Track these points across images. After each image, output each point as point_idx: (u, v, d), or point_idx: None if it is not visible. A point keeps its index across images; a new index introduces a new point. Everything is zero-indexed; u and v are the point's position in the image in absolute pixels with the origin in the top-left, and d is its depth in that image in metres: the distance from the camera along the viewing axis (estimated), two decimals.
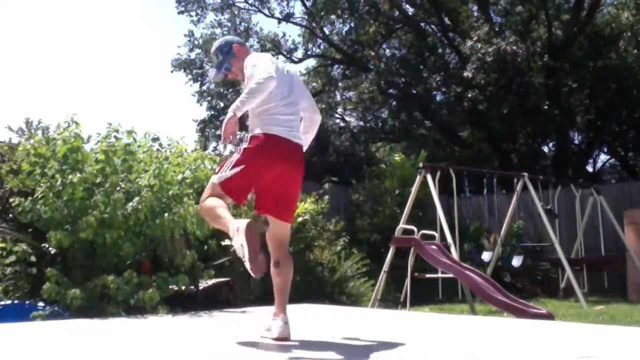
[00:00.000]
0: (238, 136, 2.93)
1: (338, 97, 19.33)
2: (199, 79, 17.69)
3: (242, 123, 3.03)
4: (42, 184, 4.90)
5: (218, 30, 17.29)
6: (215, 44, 3.32)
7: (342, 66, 18.07)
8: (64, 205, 4.80)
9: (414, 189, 8.05)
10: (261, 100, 2.91)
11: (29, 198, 4.86)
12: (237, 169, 2.89)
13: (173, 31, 35.06)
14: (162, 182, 5.14)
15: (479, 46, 12.63)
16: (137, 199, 4.86)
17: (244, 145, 2.98)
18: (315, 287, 6.67)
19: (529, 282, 10.06)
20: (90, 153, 5.24)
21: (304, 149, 3.18)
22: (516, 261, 8.68)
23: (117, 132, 5.32)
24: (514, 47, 12.44)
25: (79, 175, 4.78)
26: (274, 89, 2.93)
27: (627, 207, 10.01)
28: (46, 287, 4.45)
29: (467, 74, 12.80)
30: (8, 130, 5.71)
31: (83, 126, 5.15)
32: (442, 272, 6.95)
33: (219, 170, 2.98)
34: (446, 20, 15.76)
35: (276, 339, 3.00)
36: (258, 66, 2.95)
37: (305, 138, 3.23)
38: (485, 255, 8.58)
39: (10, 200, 4.90)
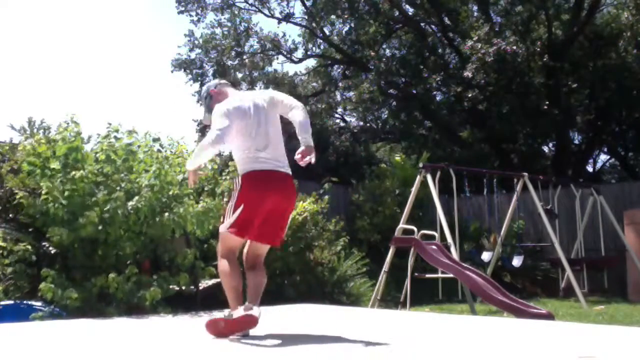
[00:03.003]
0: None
1: (338, 97, 19.34)
2: (199, 79, 17.67)
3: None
4: (42, 183, 4.91)
5: (218, 30, 17.29)
6: (202, 90, 3.76)
7: (342, 66, 18.07)
8: (66, 201, 4.80)
9: (414, 189, 8.04)
10: (213, 154, 3.39)
11: (32, 195, 4.86)
12: (238, 211, 3.24)
13: (173, 31, 35.10)
14: (162, 182, 5.14)
15: (479, 46, 12.63)
16: (137, 197, 4.87)
17: (237, 189, 3.31)
18: (315, 287, 6.67)
19: (529, 282, 10.06)
20: (91, 153, 5.24)
21: (308, 148, 3.31)
22: (516, 261, 8.68)
23: (117, 132, 5.33)
24: (514, 47, 12.44)
25: (81, 172, 4.79)
26: (244, 137, 3.30)
27: (627, 207, 10.01)
28: (42, 286, 4.45)
29: (467, 74, 12.80)
30: (11, 129, 5.72)
31: (83, 126, 5.16)
32: (442, 272, 6.94)
33: (222, 220, 3.35)
34: (446, 20, 15.75)
35: (243, 317, 3.11)
36: (212, 123, 3.34)
37: (303, 139, 3.32)
38: (485, 255, 8.58)
39: (15, 192, 4.90)
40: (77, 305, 4.42)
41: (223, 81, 3.75)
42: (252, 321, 3.08)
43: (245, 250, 3.49)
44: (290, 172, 3.41)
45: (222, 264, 3.32)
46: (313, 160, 3.33)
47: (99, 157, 5.11)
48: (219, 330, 3.22)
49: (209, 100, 3.61)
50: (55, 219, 4.80)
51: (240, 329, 3.16)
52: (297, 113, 3.37)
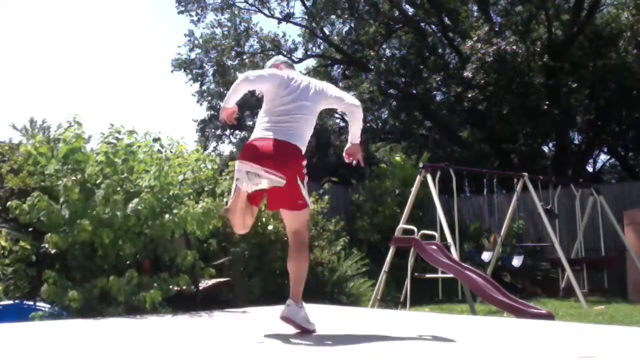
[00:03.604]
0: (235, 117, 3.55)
1: None
2: (199, 79, 17.68)
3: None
4: (43, 184, 4.90)
5: (218, 30, 17.31)
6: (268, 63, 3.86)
7: (342, 66, 18.09)
8: (62, 207, 4.79)
9: (414, 189, 8.05)
10: (234, 97, 3.47)
11: (28, 199, 4.85)
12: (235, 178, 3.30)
13: (173, 31, 35.10)
14: (162, 183, 5.13)
15: (479, 46, 12.64)
16: (136, 200, 4.86)
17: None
18: (315, 287, 6.66)
19: (529, 282, 10.06)
20: (92, 153, 5.23)
21: (355, 141, 3.58)
22: (516, 261, 8.69)
23: (119, 133, 5.31)
24: (514, 47, 12.45)
25: (73, 178, 4.75)
26: (273, 98, 3.39)
27: (627, 207, 10.01)
28: (44, 288, 4.45)
29: (467, 74, 12.80)
30: (12, 128, 5.72)
31: (84, 126, 5.14)
32: (442, 272, 6.95)
33: None
34: (446, 20, 15.76)
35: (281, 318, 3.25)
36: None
37: (352, 132, 3.59)
38: (485, 255, 8.58)
39: (9, 203, 4.88)
40: (78, 306, 4.41)
41: (289, 62, 3.84)
42: (284, 320, 3.20)
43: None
44: (290, 141, 3.28)
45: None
46: (361, 160, 3.57)
47: (99, 159, 5.10)
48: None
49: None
50: (50, 225, 4.79)
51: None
52: (356, 116, 3.55)
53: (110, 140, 5.22)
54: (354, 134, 3.59)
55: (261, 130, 3.35)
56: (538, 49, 13.52)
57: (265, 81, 3.42)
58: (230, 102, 3.48)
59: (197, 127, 18.60)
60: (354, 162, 3.61)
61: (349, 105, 3.56)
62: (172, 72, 17.58)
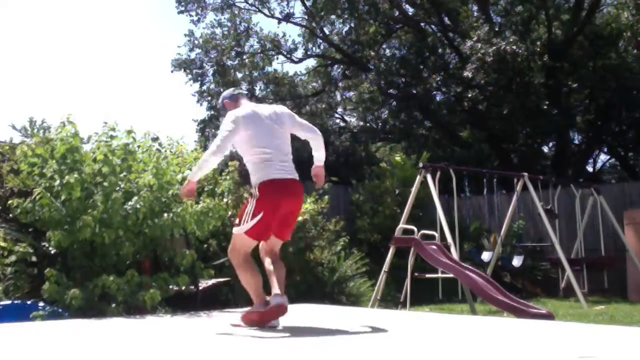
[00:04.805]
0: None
1: (338, 97, 19.33)
2: (199, 79, 17.67)
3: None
4: (40, 184, 4.90)
5: (218, 30, 17.31)
6: (219, 101, 4.04)
7: (342, 66, 18.07)
8: (62, 205, 4.79)
9: (414, 189, 8.04)
10: (215, 163, 3.68)
11: (29, 198, 4.85)
12: (257, 218, 3.47)
13: (173, 31, 35.11)
14: (161, 181, 5.12)
15: (479, 46, 12.63)
16: (135, 198, 4.85)
17: (255, 196, 3.52)
18: (315, 287, 6.67)
19: (529, 282, 10.06)
20: (89, 153, 5.23)
21: (320, 163, 3.81)
22: (516, 261, 8.68)
23: (114, 131, 5.30)
24: (514, 47, 12.44)
25: (75, 175, 4.75)
26: (258, 144, 3.53)
27: (627, 207, 10.01)
28: (46, 287, 4.45)
29: (467, 74, 12.79)
30: (12, 129, 5.71)
31: (79, 126, 5.12)
32: (442, 272, 6.94)
33: (238, 222, 3.58)
34: (446, 20, 15.76)
35: (275, 307, 3.43)
36: (220, 131, 3.58)
37: (317, 155, 3.81)
38: (485, 255, 8.57)
39: (9, 202, 4.88)
40: (79, 305, 4.42)
41: (238, 91, 3.92)
42: (283, 309, 3.39)
43: (262, 248, 3.73)
44: (298, 177, 3.65)
45: (240, 263, 3.59)
46: (321, 182, 3.81)
47: (97, 158, 5.09)
48: (253, 321, 3.54)
49: (224, 111, 3.77)
50: (52, 222, 4.78)
51: (273, 317, 3.45)
52: (317, 143, 3.79)
53: (104, 139, 5.21)
54: (318, 158, 3.82)
55: (270, 170, 3.51)
56: (538, 49, 13.50)
57: (235, 135, 3.53)
58: (197, 177, 3.61)
59: (197, 127, 18.58)
60: (318, 184, 3.83)
61: (311, 134, 3.77)
62: (172, 72, 17.58)
